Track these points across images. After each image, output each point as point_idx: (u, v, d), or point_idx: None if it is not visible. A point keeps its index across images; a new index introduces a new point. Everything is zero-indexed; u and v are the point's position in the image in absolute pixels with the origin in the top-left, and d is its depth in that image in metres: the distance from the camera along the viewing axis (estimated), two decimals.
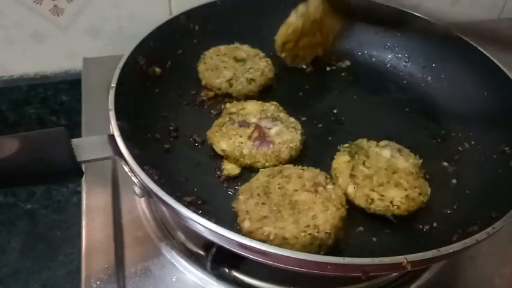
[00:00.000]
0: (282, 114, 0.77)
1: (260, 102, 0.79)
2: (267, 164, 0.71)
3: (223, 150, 0.72)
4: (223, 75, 0.82)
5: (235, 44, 0.89)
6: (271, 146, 0.72)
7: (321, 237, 0.59)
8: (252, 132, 0.73)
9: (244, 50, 0.88)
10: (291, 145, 0.73)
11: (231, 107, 0.79)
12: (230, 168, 0.72)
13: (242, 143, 0.71)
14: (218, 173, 0.71)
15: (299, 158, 0.74)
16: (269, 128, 0.74)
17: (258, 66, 0.84)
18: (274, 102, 0.80)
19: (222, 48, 0.87)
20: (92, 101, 0.91)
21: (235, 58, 0.85)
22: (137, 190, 0.62)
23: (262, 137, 0.72)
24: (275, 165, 0.71)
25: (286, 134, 0.74)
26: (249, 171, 0.71)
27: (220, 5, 0.90)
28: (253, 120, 0.75)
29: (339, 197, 0.64)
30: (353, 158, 0.70)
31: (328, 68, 0.93)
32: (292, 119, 0.77)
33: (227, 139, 0.72)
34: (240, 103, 0.79)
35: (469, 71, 0.85)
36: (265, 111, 0.77)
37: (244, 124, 0.74)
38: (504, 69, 0.80)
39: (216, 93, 0.83)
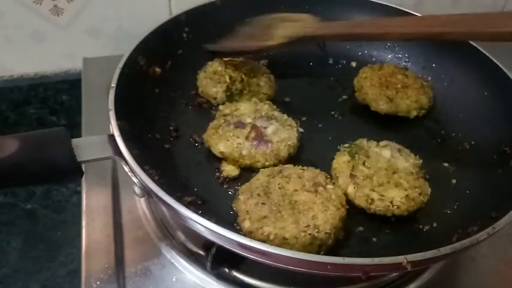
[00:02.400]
0: (276, 113, 0.77)
1: (253, 102, 0.79)
2: (266, 163, 0.71)
3: (221, 153, 0.71)
4: (220, 84, 0.81)
5: (239, 58, 0.87)
6: (270, 145, 0.72)
7: (321, 237, 0.59)
8: (249, 132, 0.73)
9: (247, 63, 0.85)
10: (289, 143, 0.73)
11: (224, 108, 0.78)
12: (229, 170, 0.72)
13: (240, 143, 0.71)
14: (217, 174, 0.71)
15: (299, 158, 0.74)
16: (265, 127, 0.74)
17: (257, 81, 0.82)
18: (267, 101, 0.80)
19: (226, 60, 0.85)
20: (92, 101, 0.92)
21: (243, 73, 0.83)
22: (137, 190, 0.62)
23: (259, 136, 0.72)
24: (275, 164, 0.71)
25: (283, 132, 0.74)
26: (248, 171, 0.71)
27: (220, 5, 0.90)
28: (248, 120, 0.75)
29: (339, 197, 0.64)
30: (353, 158, 0.70)
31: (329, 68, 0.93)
32: (286, 117, 0.77)
33: (224, 141, 0.71)
34: (233, 104, 0.79)
35: (469, 71, 0.85)
36: (259, 110, 0.77)
37: (239, 125, 0.74)
38: (504, 69, 0.80)
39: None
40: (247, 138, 0.72)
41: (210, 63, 0.85)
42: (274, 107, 0.79)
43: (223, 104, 0.81)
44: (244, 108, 0.77)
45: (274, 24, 0.78)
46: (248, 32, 0.80)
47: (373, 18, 0.81)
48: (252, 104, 0.78)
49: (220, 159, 0.73)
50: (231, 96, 0.81)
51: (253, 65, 0.86)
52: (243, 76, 0.82)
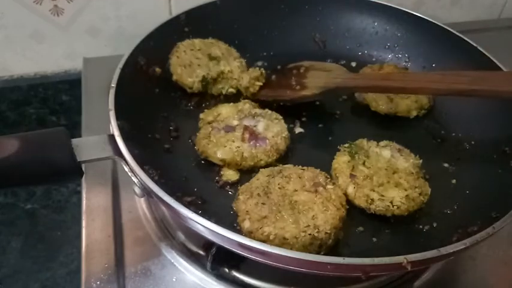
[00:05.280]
0: (258, 110, 0.77)
1: (232, 104, 0.79)
2: (269, 160, 0.71)
3: (222, 160, 0.70)
4: (196, 74, 0.81)
5: (209, 39, 0.87)
6: (267, 141, 0.72)
7: (321, 237, 0.59)
8: (242, 134, 0.72)
9: (219, 47, 0.86)
10: (283, 135, 0.73)
11: (205, 116, 0.77)
12: (229, 174, 0.71)
13: (239, 146, 0.71)
14: (217, 178, 0.71)
15: (299, 158, 0.74)
16: (255, 126, 0.74)
17: (230, 67, 0.83)
18: (247, 100, 0.80)
19: (197, 42, 0.85)
20: (92, 101, 0.92)
21: (209, 55, 0.83)
22: (137, 190, 0.62)
23: (254, 135, 0.72)
24: (276, 160, 0.71)
25: (273, 126, 0.74)
26: (248, 173, 0.71)
27: (220, 5, 0.90)
28: (235, 122, 0.74)
29: (339, 197, 0.64)
30: (353, 158, 0.70)
31: None
32: (269, 111, 0.77)
33: (222, 148, 0.70)
34: (213, 109, 0.78)
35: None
36: (242, 110, 0.77)
37: (229, 129, 0.73)
38: (504, 69, 0.80)
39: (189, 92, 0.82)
40: (243, 140, 0.71)
41: (181, 46, 0.83)
42: (254, 104, 0.79)
43: (197, 92, 0.81)
44: (226, 112, 0.77)
45: (306, 73, 0.81)
46: (283, 80, 0.83)
47: (404, 72, 0.85)
48: (232, 106, 0.78)
49: None
50: (206, 85, 0.82)
51: (225, 49, 0.86)
52: (216, 64, 0.83)
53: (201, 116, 0.78)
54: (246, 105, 0.78)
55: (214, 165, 0.72)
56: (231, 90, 0.84)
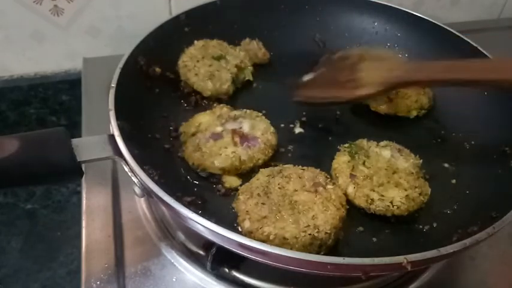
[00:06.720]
0: (236, 112, 0.77)
1: (209, 111, 0.78)
2: (266, 158, 0.71)
3: (221, 169, 0.70)
4: (226, 78, 0.81)
5: (196, 42, 0.86)
6: (259, 140, 0.72)
7: (321, 237, 0.59)
8: (232, 138, 0.71)
9: (212, 46, 0.86)
10: (271, 130, 0.73)
11: (186, 129, 0.75)
12: (231, 180, 0.70)
13: (234, 151, 0.70)
14: (219, 186, 0.70)
15: (299, 157, 0.74)
16: (241, 128, 0.73)
17: (239, 58, 0.85)
18: (222, 104, 0.80)
19: (193, 52, 0.84)
20: (92, 101, 0.92)
21: (213, 58, 0.83)
22: (137, 190, 0.62)
23: (244, 137, 0.72)
24: (274, 158, 0.72)
25: (258, 124, 0.74)
26: (248, 173, 0.71)
27: (220, 4, 0.90)
28: (220, 128, 0.73)
29: (339, 197, 0.64)
30: (353, 158, 0.70)
31: None
32: (248, 110, 0.77)
33: (217, 157, 0.70)
34: (191, 121, 0.76)
35: None
36: (221, 115, 0.76)
37: (216, 136, 0.72)
38: None
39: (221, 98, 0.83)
40: (235, 144, 0.71)
41: (188, 63, 0.82)
42: (229, 106, 0.79)
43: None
44: (206, 120, 0.75)
45: (359, 65, 0.68)
46: (330, 74, 0.70)
47: (470, 60, 0.70)
48: (209, 114, 0.77)
49: None
50: (234, 84, 0.84)
51: (217, 45, 0.87)
52: (225, 61, 0.84)
53: (181, 129, 0.76)
54: (223, 109, 0.77)
55: None
56: (248, 77, 0.86)
